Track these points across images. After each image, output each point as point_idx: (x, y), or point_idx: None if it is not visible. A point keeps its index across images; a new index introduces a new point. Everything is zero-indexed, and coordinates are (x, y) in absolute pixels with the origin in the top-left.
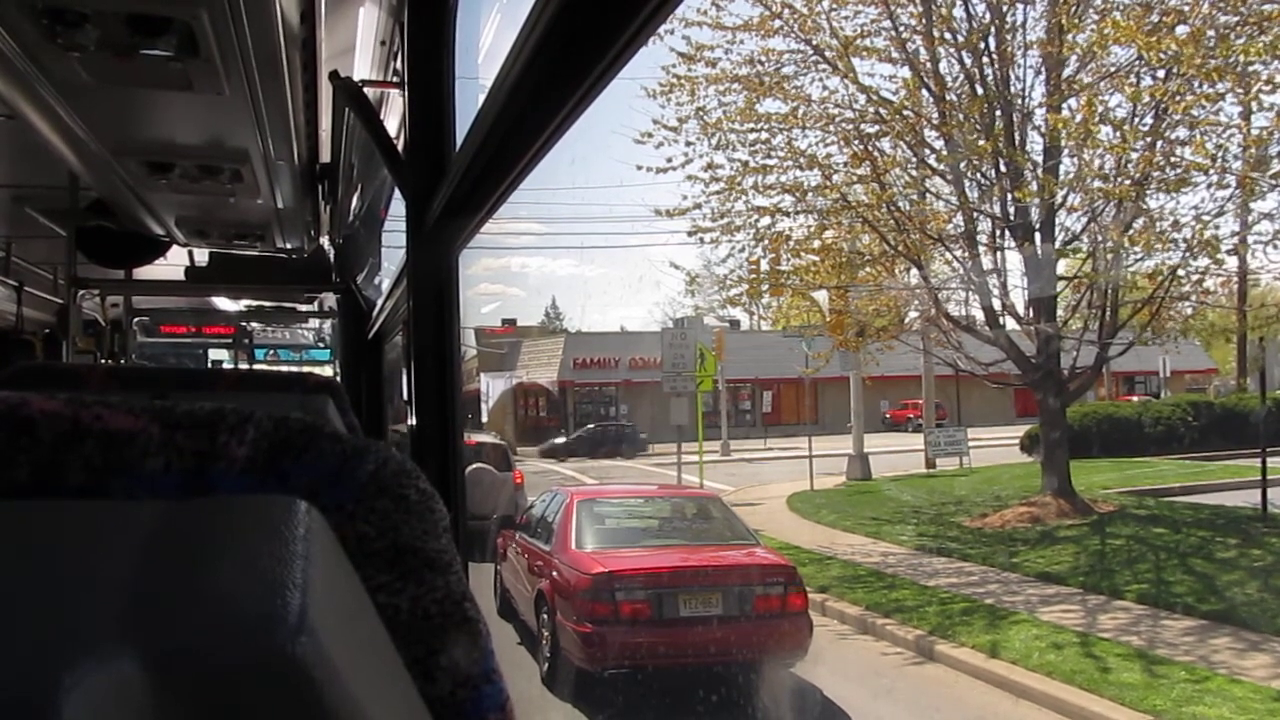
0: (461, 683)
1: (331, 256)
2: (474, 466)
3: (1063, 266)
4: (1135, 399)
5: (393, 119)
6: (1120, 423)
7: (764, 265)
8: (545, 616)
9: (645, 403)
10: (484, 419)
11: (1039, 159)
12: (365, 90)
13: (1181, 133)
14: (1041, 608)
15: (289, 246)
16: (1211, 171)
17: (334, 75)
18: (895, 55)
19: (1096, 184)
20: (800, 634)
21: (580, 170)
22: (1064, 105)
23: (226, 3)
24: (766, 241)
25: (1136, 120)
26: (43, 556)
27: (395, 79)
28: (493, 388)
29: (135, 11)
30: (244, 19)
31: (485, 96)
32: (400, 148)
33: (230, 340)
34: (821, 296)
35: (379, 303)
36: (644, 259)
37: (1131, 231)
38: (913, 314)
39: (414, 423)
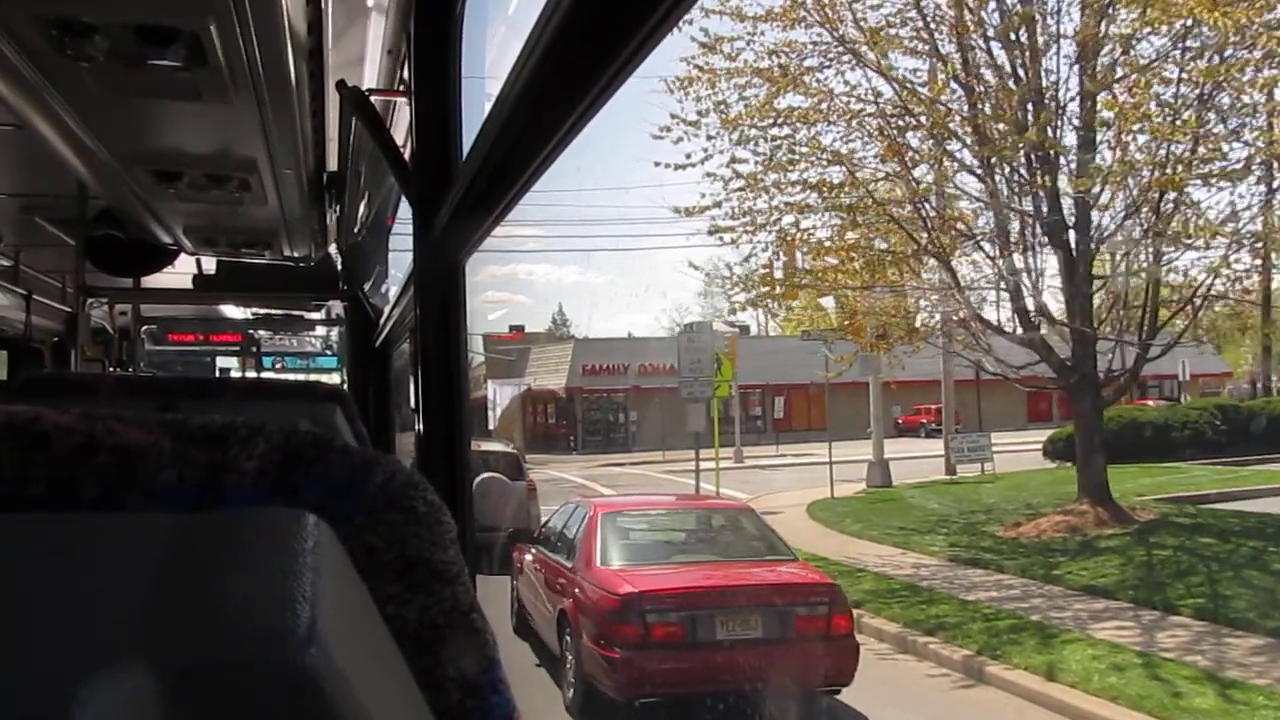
0: (469, 693)
1: (339, 264)
2: (483, 476)
3: (1098, 266)
4: (1151, 403)
5: (400, 128)
6: (1146, 427)
7: (798, 262)
8: (569, 639)
9: (654, 409)
10: (491, 426)
11: (1074, 153)
12: (372, 99)
13: (1231, 122)
14: (1092, 624)
15: (296, 254)
16: (1256, 165)
17: (341, 84)
18: (922, 48)
19: (1145, 172)
20: (846, 658)
21: (588, 175)
22: (1105, 91)
23: (234, 13)
24: (790, 240)
25: (1178, 111)
26: (57, 570)
27: (402, 88)
28: (501, 395)
29: (144, 22)
30: (252, 29)
31: (492, 105)
32: (407, 156)
33: (238, 348)
34: (829, 302)
35: (386, 310)
36: (651, 265)
37: (1174, 225)
38: (938, 316)
39: (421, 431)
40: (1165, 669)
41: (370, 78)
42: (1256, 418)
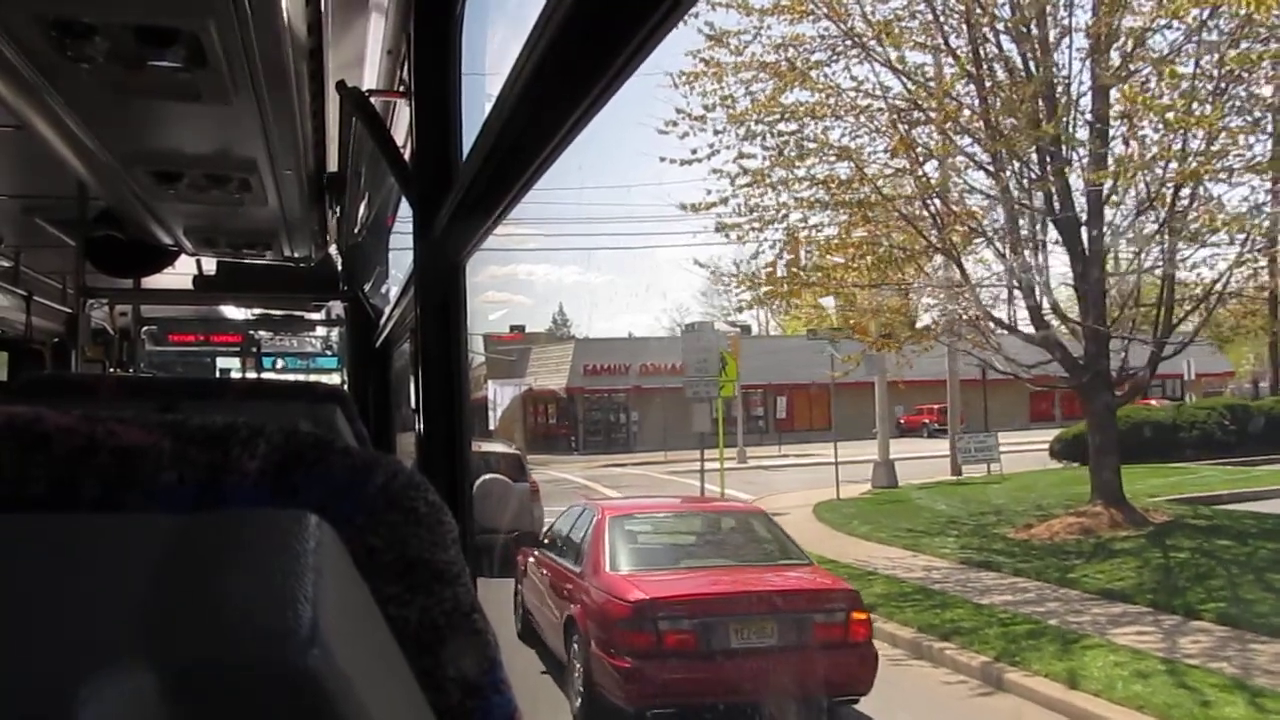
0: (470, 693)
1: (339, 265)
2: (484, 477)
3: (1110, 263)
4: (1155, 403)
5: (400, 128)
6: (1154, 427)
7: (803, 260)
8: (576, 646)
9: (655, 409)
10: (491, 426)
11: (1088, 147)
12: (373, 100)
13: (1254, 115)
14: (1112, 629)
15: (296, 255)
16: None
17: (341, 85)
18: (930, 42)
19: (1163, 165)
20: (864, 667)
21: (590, 174)
22: (1121, 84)
23: (234, 14)
24: (796, 237)
25: (1199, 101)
26: (58, 570)
27: (402, 88)
28: (501, 395)
29: (144, 23)
30: (252, 30)
31: (492, 105)
32: (407, 156)
33: (238, 349)
34: (829, 301)
35: (386, 310)
36: (652, 265)
37: (1195, 220)
38: (945, 314)
39: (421, 431)
40: (1191, 676)
41: (370, 78)
42: (1255, 418)
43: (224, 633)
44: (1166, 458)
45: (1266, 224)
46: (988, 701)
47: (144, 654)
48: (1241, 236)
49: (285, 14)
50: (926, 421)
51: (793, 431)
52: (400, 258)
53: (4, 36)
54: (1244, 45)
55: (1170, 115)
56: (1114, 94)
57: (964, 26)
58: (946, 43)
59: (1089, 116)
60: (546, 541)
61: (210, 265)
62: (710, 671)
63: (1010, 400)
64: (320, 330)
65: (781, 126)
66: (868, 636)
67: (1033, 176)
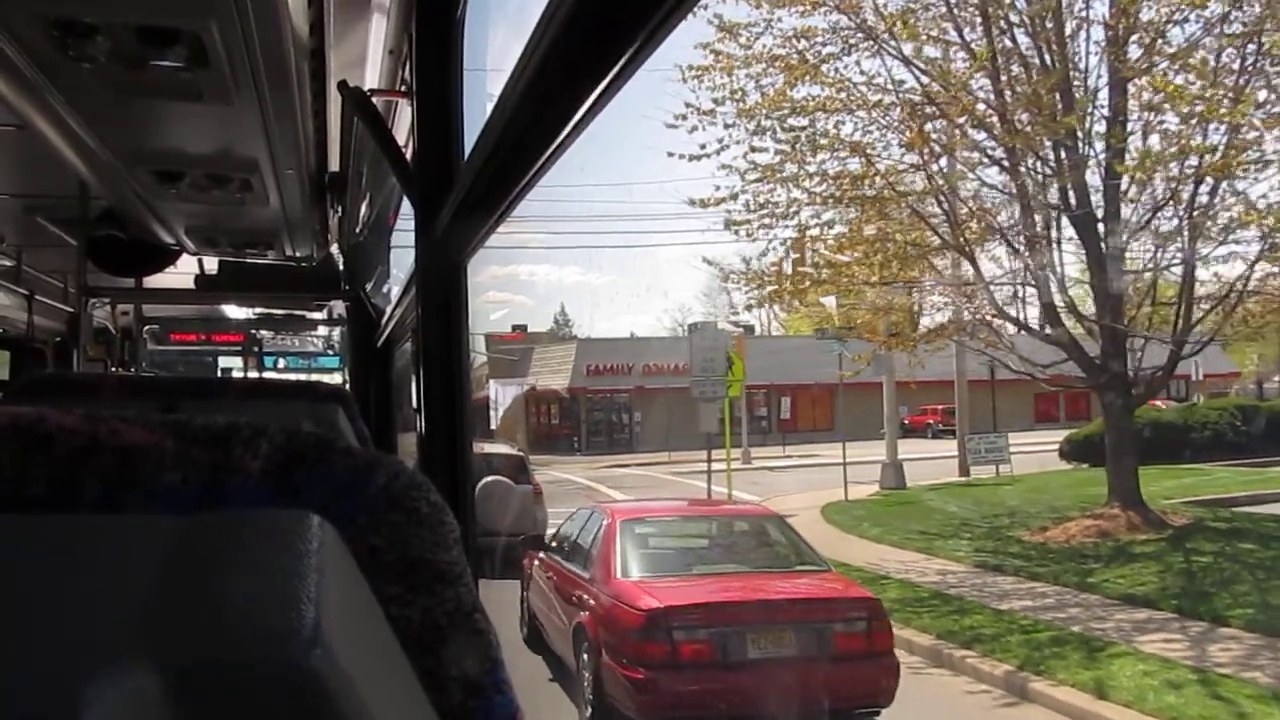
0: (472, 693)
1: (340, 264)
2: (486, 479)
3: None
4: (1161, 404)
5: (401, 128)
6: (1164, 428)
7: (811, 258)
8: (586, 655)
9: (658, 409)
10: (493, 426)
11: (1108, 140)
12: (374, 100)
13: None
14: (1137, 636)
15: (298, 254)
16: None
17: (343, 85)
18: (943, 36)
19: (1183, 160)
20: (886, 678)
21: (592, 172)
22: (1143, 76)
23: (236, 14)
24: (803, 235)
25: (1228, 92)
26: (59, 571)
27: (404, 88)
28: (503, 395)
29: (146, 23)
30: (253, 30)
31: (493, 105)
32: (409, 156)
33: (240, 348)
34: (830, 300)
35: (388, 310)
36: (653, 265)
37: (1227, 214)
38: (953, 313)
39: (423, 431)
40: (1225, 686)
41: (372, 78)
42: (1257, 418)
43: (225, 633)
44: (1175, 459)
45: None
46: (1013, 712)
47: (145, 654)
48: (1269, 232)
49: (287, 14)
50: (931, 422)
51: (796, 432)
52: (402, 257)
53: (6, 36)
54: (1265, 39)
55: (1199, 106)
56: (1136, 86)
57: (978, 19)
58: (961, 35)
59: (1106, 111)
60: (554, 545)
61: (212, 265)
62: (726, 682)
63: (1015, 401)
64: (322, 330)
65: (792, 121)
66: (889, 646)
67: (1048, 172)
